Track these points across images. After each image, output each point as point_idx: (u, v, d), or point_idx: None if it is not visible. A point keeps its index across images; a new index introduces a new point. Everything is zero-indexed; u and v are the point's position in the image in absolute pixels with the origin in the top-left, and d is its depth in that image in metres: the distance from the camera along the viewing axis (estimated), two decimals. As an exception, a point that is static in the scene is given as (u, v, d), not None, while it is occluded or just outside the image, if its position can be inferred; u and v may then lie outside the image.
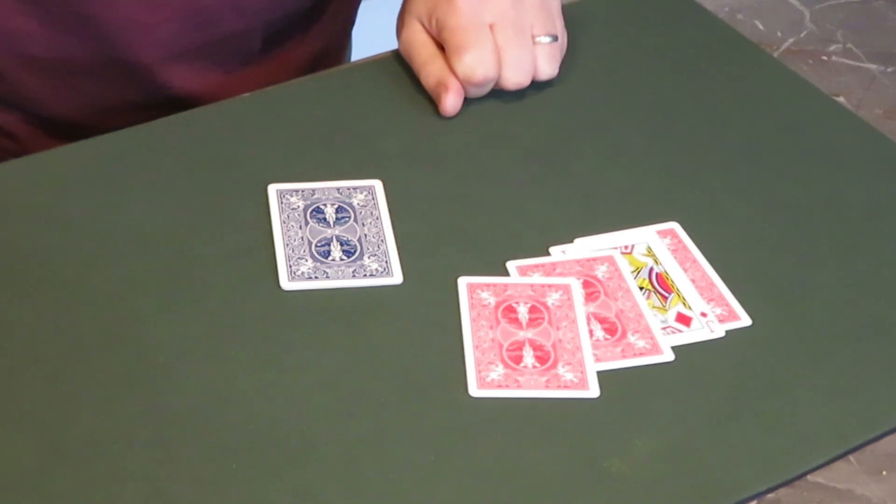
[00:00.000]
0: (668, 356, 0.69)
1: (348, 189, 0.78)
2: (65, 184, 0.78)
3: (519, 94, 0.86)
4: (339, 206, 0.77)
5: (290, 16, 0.95)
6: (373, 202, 0.77)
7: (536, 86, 0.87)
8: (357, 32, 1.07)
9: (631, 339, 0.70)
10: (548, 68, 0.85)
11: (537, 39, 0.84)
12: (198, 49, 0.90)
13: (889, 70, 0.94)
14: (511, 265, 0.74)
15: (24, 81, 0.90)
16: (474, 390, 0.67)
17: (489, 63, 0.82)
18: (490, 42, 0.83)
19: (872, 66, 0.94)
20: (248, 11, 0.91)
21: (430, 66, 0.85)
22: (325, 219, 0.76)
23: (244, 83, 0.93)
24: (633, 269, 0.74)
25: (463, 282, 0.73)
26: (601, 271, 0.74)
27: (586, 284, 0.73)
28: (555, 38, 0.85)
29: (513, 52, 0.83)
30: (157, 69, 0.90)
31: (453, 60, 0.83)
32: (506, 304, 0.72)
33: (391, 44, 0.90)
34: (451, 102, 0.83)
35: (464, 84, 0.83)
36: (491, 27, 0.83)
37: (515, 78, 0.84)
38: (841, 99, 0.90)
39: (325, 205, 0.77)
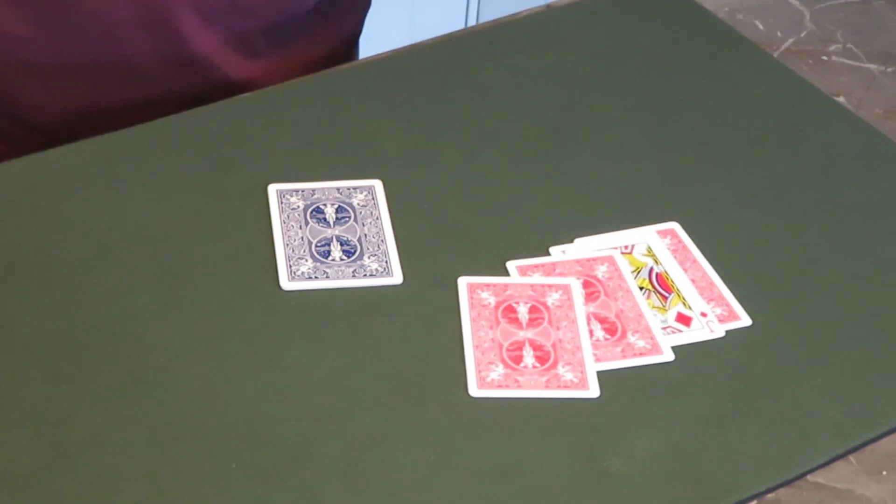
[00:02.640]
0: (668, 356, 0.69)
1: (348, 189, 0.78)
2: (65, 184, 0.78)
3: (519, 94, 0.86)
4: (339, 206, 0.77)
5: (292, 19, 0.95)
6: (373, 202, 0.77)
7: (536, 86, 0.87)
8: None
9: (631, 339, 0.70)
10: None
11: None
12: (197, 50, 0.90)
13: (889, 70, 0.94)
14: (511, 265, 0.74)
15: (19, 86, 0.90)
16: (474, 390, 0.67)
17: None
18: None
19: (872, 66, 0.94)
20: (248, 12, 0.91)
21: None
22: (325, 219, 0.76)
23: (244, 87, 0.93)
24: (633, 269, 0.74)
25: (463, 282, 0.73)
26: (601, 271, 0.74)
27: (586, 284, 0.73)
28: None
29: None
30: (155, 69, 0.90)
31: None
32: (506, 304, 0.72)
33: (391, 44, 0.90)
34: None
35: None
36: None
37: None
38: (841, 99, 0.90)
39: (325, 205, 0.77)
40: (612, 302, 0.72)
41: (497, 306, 0.71)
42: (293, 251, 0.74)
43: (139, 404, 0.65)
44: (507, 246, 0.75)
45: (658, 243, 0.76)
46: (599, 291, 0.73)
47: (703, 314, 0.72)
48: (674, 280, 0.74)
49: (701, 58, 0.91)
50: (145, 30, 0.87)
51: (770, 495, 0.64)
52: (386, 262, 0.73)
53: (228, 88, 0.91)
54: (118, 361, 0.67)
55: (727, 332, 0.71)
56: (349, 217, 0.76)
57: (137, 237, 0.74)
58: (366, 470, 0.63)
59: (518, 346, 0.69)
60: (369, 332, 0.70)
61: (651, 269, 0.74)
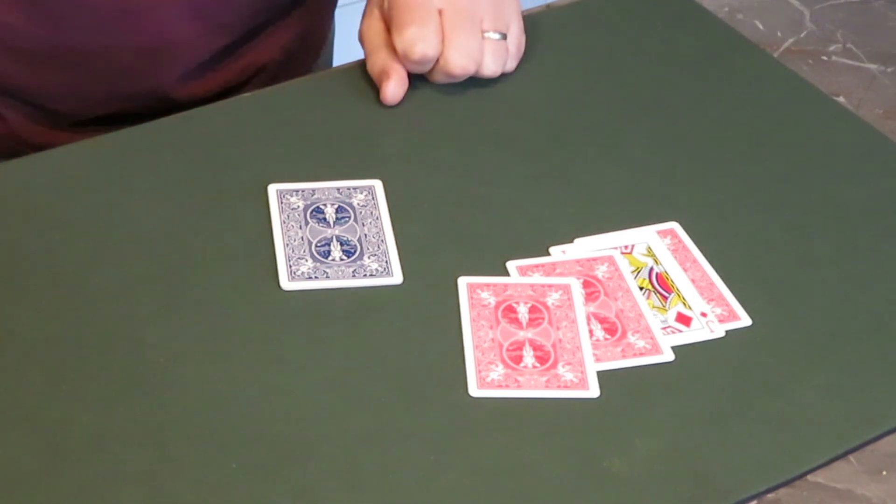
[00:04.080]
0: (668, 356, 0.69)
1: (348, 189, 0.78)
2: (65, 184, 0.78)
3: (519, 94, 0.86)
4: (339, 206, 0.77)
5: (276, 5, 0.95)
6: (373, 202, 0.77)
7: (536, 86, 0.87)
8: (355, 33, 1.07)
9: (631, 339, 0.70)
10: (492, 65, 0.85)
11: (485, 35, 0.84)
12: (187, 39, 0.90)
13: (889, 70, 0.94)
14: (511, 265, 0.74)
15: (4, 68, 0.91)
16: (474, 390, 0.67)
17: (430, 41, 0.82)
18: (434, 22, 0.82)
19: (872, 66, 0.94)
20: (236, 3, 0.91)
21: (376, 55, 0.85)
22: (325, 219, 0.76)
23: (230, 69, 0.93)
24: (633, 269, 0.74)
25: (463, 282, 0.73)
26: (601, 271, 0.74)
27: (586, 284, 0.73)
28: (503, 37, 0.85)
29: (458, 36, 0.83)
30: (137, 59, 0.90)
31: (394, 35, 0.83)
32: (506, 304, 0.72)
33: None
34: (391, 90, 0.83)
35: (402, 60, 0.83)
36: (440, 12, 0.83)
37: (460, 61, 0.83)
38: (841, 99, 0.90)
39: (325, 205, 0.77)
40: (612, 302, 0.72)
41: (497, 306, 0.71)
42: (293, 251, 0.74)
43: (139, 404, 0.65)
44: (507, 246, 0.75)
45: (658, 243, 0.76)
46: (599, 291, 0.73)
47: (703, 314, 0.72)
48: (674, 280, 0.74)
49: (701, 58, 0.91)
50: (128, 20, 0.87)
51: (770, 495, 0.64)
52: (386, 262, 0.73)
53: (207, 76, 0.92)
54: (118, 361, 0.67)
55: (727, 332, 0.71)
56: (349, 217, 0.76)
57: (137, 237, 0.74)
58: (366, 470, 0.63)
59: (518, 346, 0.69)
60: (369, 332, 0.70)
61: (651, 269, 0.74)
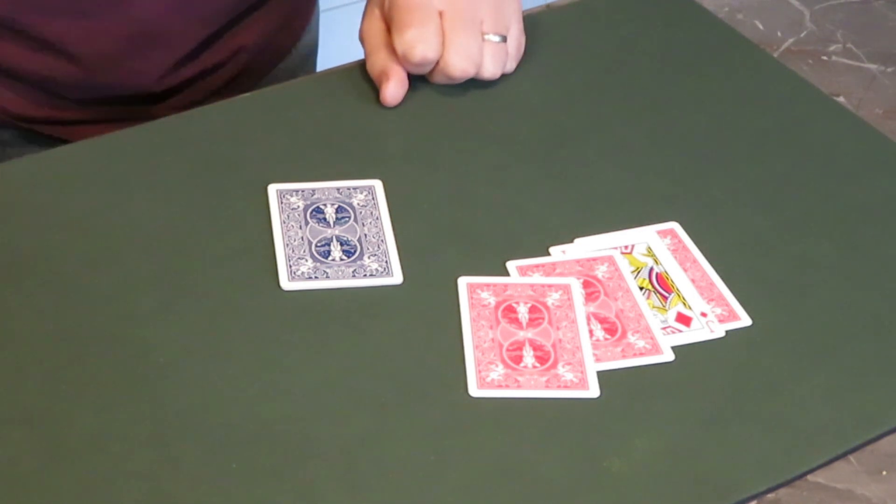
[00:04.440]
0: (668, 356, 0.69)
1: (348, 189, 0.78)
2: (65, 184, 0.78)
3: (519, 94, 0.86)
4: (339, 206, 0.77)
5: None
6: (373, 202, 0.77)
7: (536, 86, 0.87)
8: (354, 33, 1.07)
9: (631, 339, 0.70)
10: (491, 66, 0.85)
11: (485, 37, 0.84)
12: (171, 28, 0.91)
13: (889, 70, 0.94)
14: (511, 265, 0.74)
15: None
16: (474, 390, 0.67)
17: (431, 43, 0.82)
18: (435, 23, 0.82)
19: (872, 66, 0.94)
20: None
21: (376, 55, 0.85)
22: (325, 219, 0.76)
23: (211, 56, 0.94)
24: (633, 269, 0.74)
25: (463, 282, 0.73)
26: (601, 271, 0.74)
27: (586, 284, 0.73)
28: (503, 39, 0.85)
29: (458, 38, 0.83)
30: (129, 46, 0.90)
31: (395, 36, 0.83)
32: (506, 304, 0.72)
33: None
34: (391, 92, 0.83)
35: (402, 62, 0.83)
36: (440, 13, 0.83)
37: (460, 63, 0.83)
38: (841, 99, 0.90)
39: (325, 205, 0.77)
40: (612, 302, 0.72)
41: (497, 306, 0.71)
42: (293, 251, 0.74)
43: (139, 404, 0.65)
44: (507, 246, 0.75)
45: (658, 243, 0.76)
46: (599, 291, 0.73)
47: (703, 314, 0.72)
48: (674, 280, 0.74)
49: (701, 58, 0.91)
50: (112, 5, 0.87)
51: (770, 495, 0.64)
52: (386, 262, 0.73)
53: (189, 64, 0.92)
54: (118, 361, 0.67)
55: (727, 332, 0.71)
56: (349, 217, 0.76)
57: (137, 237, 0.74)
58: (366, 470, 0.63)
59: (518, 346, 0.69)
60: (369, 332, 0.70)
61: (651, 269, 0.74)
